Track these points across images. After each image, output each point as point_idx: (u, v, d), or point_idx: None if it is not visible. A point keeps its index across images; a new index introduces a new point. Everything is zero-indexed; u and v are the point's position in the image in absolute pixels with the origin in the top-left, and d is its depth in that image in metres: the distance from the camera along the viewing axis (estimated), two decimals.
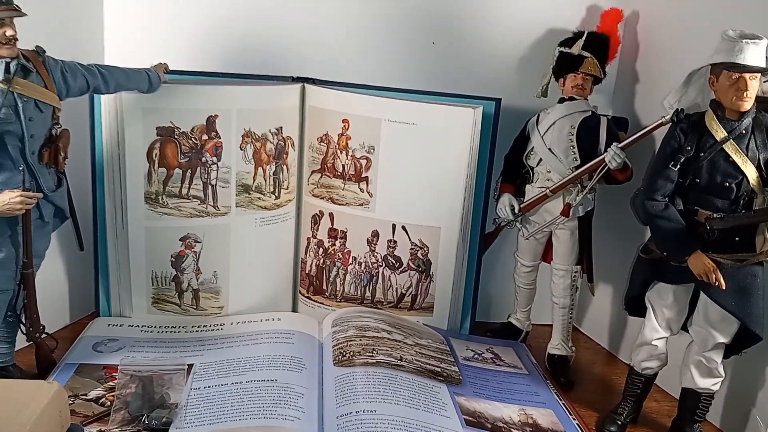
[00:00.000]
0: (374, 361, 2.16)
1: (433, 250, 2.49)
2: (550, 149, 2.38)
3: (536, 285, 2.61)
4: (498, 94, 2.44)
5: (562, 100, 2.41)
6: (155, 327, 2.41)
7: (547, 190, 2.38)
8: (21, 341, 2.09)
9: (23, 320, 2.00)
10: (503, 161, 2.53)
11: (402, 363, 2.18)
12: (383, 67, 2.57)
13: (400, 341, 2.32)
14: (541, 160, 2.41)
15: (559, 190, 2.37)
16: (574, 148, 2.36)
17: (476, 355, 2.45)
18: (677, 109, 1.96)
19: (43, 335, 2.08)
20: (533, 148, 2.43)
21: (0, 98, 1.70)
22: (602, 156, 2.26)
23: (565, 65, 2.40)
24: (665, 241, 1.94)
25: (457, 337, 2.56)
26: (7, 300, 1.89)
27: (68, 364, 2.14)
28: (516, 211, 2.45)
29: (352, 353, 2.20)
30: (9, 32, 1.69)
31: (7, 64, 1.72)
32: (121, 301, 2.45)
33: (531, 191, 2.45)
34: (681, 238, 1.89)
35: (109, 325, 2.41)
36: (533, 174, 2.46)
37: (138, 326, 2.41)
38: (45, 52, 1.84)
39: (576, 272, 2.45)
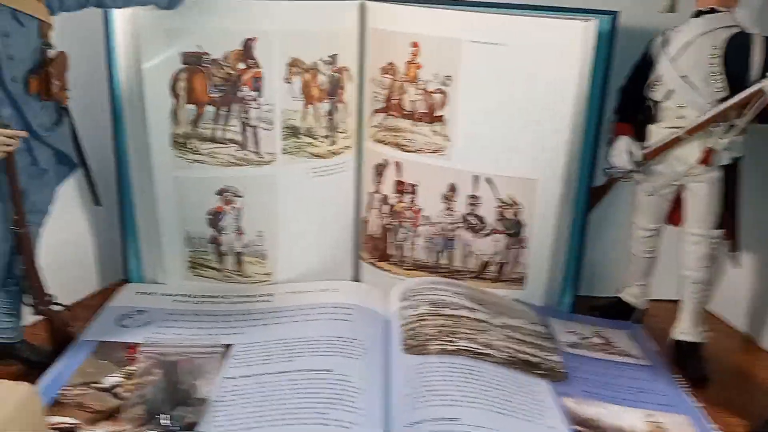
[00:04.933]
0: (454, 348, 1.70)
1: (526, 209, 1.99)
2: (683, 77, 1.81)
3: (658, 253, 2.08)
4: (611, 7, 1.89)
5: (698, 14, 1.83)
6: (192, 296, 2.04)
7: (681, 132, 1.83)
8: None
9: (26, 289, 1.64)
10: (618, 95, 1.98)
11: (489, 351, 1.71)
12: None
13: (485, 321, 1.85)
14: (670, 91, 1.85)
15: (697, 131, 1.81)
16: (718, 74, 1.78)
17: (582, 340, 1.95)
18: None
19: (56, 306, 1.73)
20: (660, 76, 1.86)
21: None
22: (758, 86, 1.69)
23: None
24: None
25: (556, 316, 2.07)
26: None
27: (86, 341, 1.79)
28: (636, 158, 1.91)
29: (425, 337, 1.75)
30: None
31: None
32: (153, 264, 2.09)
33: (656, 133, 1.90)
34: None
35: (138, 293, 2.06)
36: (659, 111, 1.89)
37: (171, 295, 2.04)
38: None
39: (716, 239, 1.89)
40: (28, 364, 1.71)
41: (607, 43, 1.88)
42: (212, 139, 1.92)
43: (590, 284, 2.26)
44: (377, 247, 2.19)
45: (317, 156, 2.05)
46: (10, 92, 1.41)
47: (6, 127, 1.37)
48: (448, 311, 1.87)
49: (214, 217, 2.02)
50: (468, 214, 2.04)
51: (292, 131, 1.98)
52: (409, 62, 1.96)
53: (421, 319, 1.83)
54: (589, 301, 2.21)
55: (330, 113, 2.03)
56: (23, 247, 1.54)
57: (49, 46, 1.48)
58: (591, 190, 2.05)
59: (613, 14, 1.88)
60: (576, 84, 1.83)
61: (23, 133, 1.41)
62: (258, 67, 1.88)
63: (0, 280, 1.57)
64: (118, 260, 2.17)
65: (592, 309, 2.16)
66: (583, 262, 2.12)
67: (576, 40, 1.79)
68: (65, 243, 1.94)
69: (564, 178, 1.93)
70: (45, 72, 1.46)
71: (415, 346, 1.72)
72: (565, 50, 1.81)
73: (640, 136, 1.95)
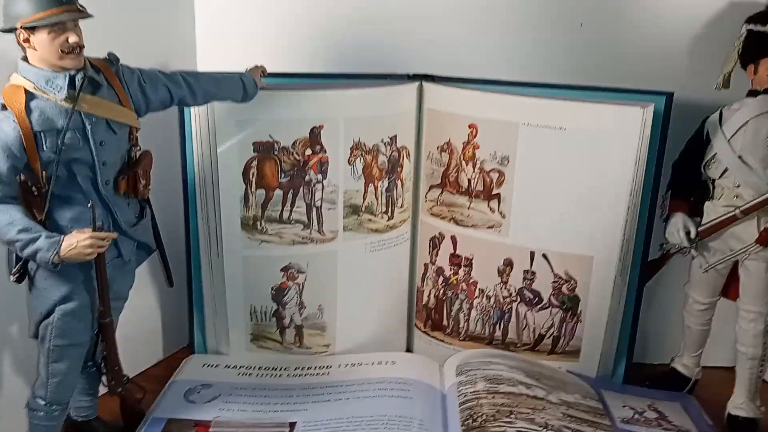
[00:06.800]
0: (513, 430, 1.73)
1: (581, 284, 2.02)
2: (740, 157, 1.84)
3: (711, 324, 2.09)
4: (663, 86, 1.92)
5: (754, 93, 1.86)
6: (254, 368, 2.11)
7: (737, 211, 1.85)
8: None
9: (104, 371, 1.72)
10: (671, 170, 2.01)
11: None
12: (517, 58, 2.10)
13: (542, 399, 1.88)
14: (726, 170, 1.88)
15: (753, 211, 1.84)
16: None
17: (636, 415, 1.96)
18: None
19: (128, 385, 1.79)
20: (715, 155, 1.90)
21: (63, 120, 1.39)
22: None
23: (755, 48, 1.85)
24: None
25: (610, 388, 2.08)
26: (83, 353, 1.61)
27: (156, 418, 1.85)
28: (692, 235, 1.94)
29: (483, 417, 1.78)
30: (72, 38, 1.36)
31: (72, 78, 1.39)
32: (217, 336, 2.16)
33: (713, 210, 1.93)
34: None
35: (203, 365, 2.12)
36: (714, 188, 1.93)
37: (235, 367, 2.11)
38: (119, 60, 1.52)
39: None
40: None
41: (662, 124, 1.91)
42: (279, 221, 2.00)
43: (642, 351, 2.26)
44: (431, 317, 2.24)
45: (375, 231, 2.11)
46: (103, 195, 1.50)
47: (100, 229, 1.45)
48: (505, 388, 1.90)
49: (278, 293, 2.09)
50: (523, 288, 2.08)
51: (353, 209, 2.05)
52: (466, 142, 2.02)
53: (479, 397, 1.86)
54: (642, 368, 2.22)
55: (388, 190, 2.10)
56: (106, 335, 1.62)
57: (137, 147, 1.57)
58: (646, 263, 2.07)
59: (668, 95, 1.91)
60: (632, 166, 1.87)
61: (114, 235, 1.49)
62: (324, 152, 1.96)
63: (81, 365, 1.65)
64: (182, 331, 2.25)
65: (645, 379, 2.17)
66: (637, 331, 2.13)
67: (634, 125, 1.83)
68: (134, 315, 2.01)
69: (620, 256, 1.96)
70: (133, 172, 1.55)
71: (474, 426, 1.75)
72: (623, 135, 1.84)
73: (695, 211, 1.98)
